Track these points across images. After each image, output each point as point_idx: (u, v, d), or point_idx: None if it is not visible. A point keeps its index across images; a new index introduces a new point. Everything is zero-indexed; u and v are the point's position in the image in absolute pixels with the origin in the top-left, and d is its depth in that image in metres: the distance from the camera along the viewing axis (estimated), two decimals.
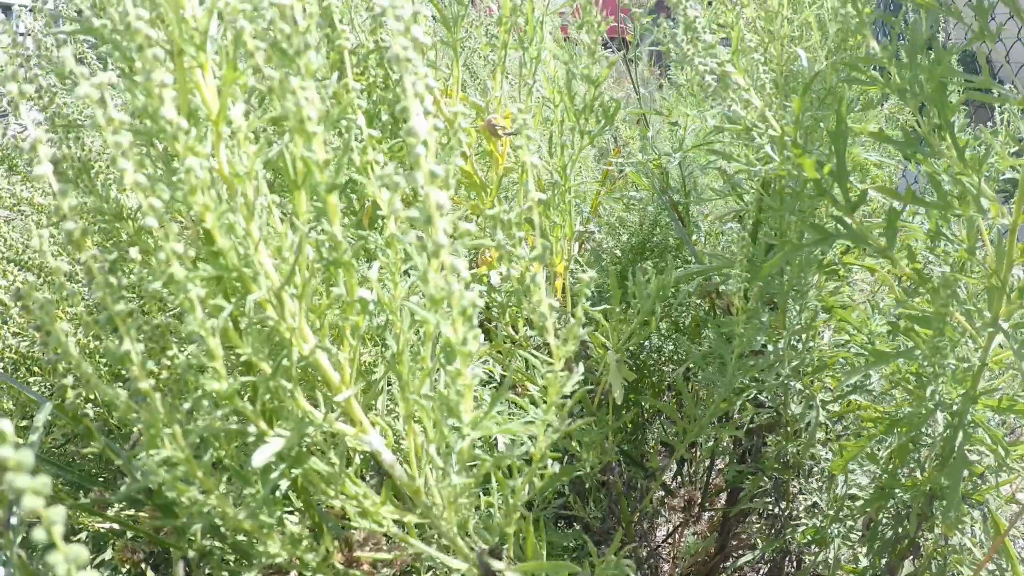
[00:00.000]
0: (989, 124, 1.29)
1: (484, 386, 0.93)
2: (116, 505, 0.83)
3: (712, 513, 1.48)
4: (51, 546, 0.33)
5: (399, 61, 0.38)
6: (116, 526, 0.85)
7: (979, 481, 0.94)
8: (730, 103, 0.77)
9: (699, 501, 1.40)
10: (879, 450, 0.90)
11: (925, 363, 0.79)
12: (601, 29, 0.77)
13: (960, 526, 0.91)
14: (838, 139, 0.72)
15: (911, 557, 0.96)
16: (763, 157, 0.84)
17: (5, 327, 1.05)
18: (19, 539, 0.60)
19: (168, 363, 0.66)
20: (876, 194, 0.95)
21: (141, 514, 0.86)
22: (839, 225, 0.75)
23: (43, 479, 0.33)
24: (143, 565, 0.91)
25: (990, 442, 0.80)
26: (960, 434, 0.76)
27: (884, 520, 0.96)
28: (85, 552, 0.34)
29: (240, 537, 0.69)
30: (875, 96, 1.01)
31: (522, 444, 0.64)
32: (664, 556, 1.43)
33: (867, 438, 0.87)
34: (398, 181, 0.42)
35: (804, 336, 1.01)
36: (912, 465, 0.89)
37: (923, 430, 0.81)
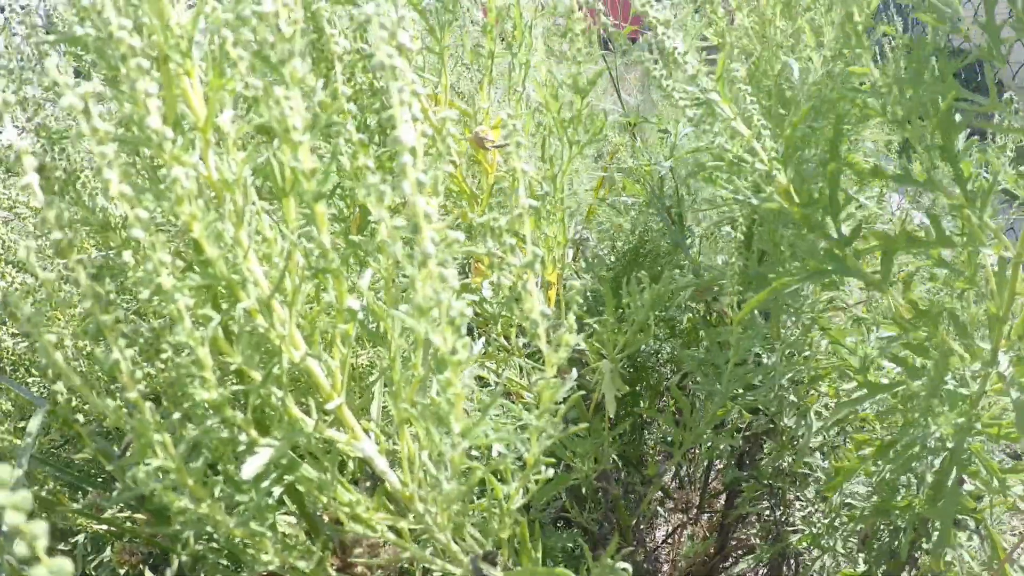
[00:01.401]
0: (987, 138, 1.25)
1: (482, 388, 0.92)
2: (113, 507, 0.83)
3: (711, 514, 1.47)
4: (35, 559, 0.33)
5: (384, 69, 0.38)
6: (113, 528, 0.85)
7: (977, 501, 0.93)
8: (714, 136, 0.73)
9: (697, 503, 1.39)
10: (874, 468, 0.88)
11: (919, 396, 0.76)
12: (592, 38, 0.75)
13: (958, 543, 0.89)
14: (832, 178, 0.69)
15: (909, 569, 0.95)
16: (752, 185, 0.81)
17: (3, 328, 1.05)
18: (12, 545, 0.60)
19: (163, 366, 0.65)
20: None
21: (138, 516, 0.86)
22: (831, 259, 0.72)
23: (23, 494, 0.32)
24: (142, 566, 0.91)
25: (985, 474, 0.77)
26: (954, 469, 0.74)
27: (882, 532, 0.94)
28: (69, 565, 0.34)
29: (234, 541, 0.69)
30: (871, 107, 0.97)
31: (516, 451, 0.63)
32: (663, 558, 1.43)
33: (858, 461, 0.84)
34: (384, 191, 0.42)
35: (799, 347, 1.00)
36: (915, 481, 0.87)
37: (920, 451, 0.79)
